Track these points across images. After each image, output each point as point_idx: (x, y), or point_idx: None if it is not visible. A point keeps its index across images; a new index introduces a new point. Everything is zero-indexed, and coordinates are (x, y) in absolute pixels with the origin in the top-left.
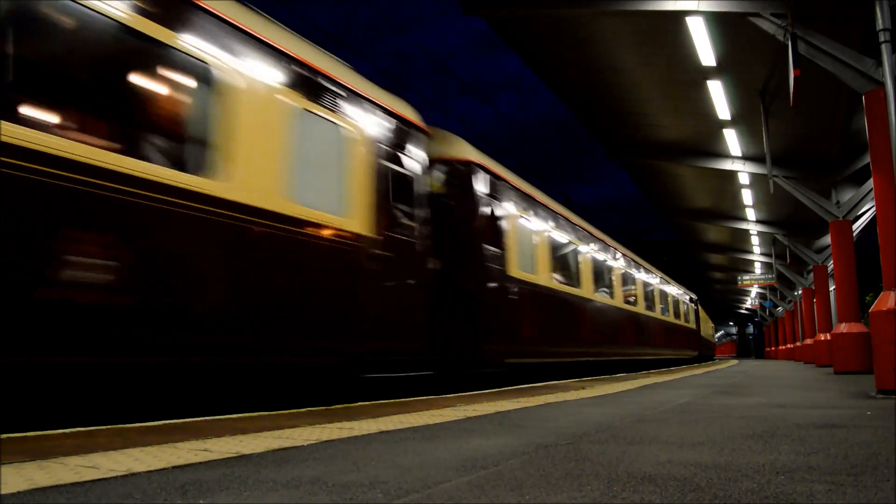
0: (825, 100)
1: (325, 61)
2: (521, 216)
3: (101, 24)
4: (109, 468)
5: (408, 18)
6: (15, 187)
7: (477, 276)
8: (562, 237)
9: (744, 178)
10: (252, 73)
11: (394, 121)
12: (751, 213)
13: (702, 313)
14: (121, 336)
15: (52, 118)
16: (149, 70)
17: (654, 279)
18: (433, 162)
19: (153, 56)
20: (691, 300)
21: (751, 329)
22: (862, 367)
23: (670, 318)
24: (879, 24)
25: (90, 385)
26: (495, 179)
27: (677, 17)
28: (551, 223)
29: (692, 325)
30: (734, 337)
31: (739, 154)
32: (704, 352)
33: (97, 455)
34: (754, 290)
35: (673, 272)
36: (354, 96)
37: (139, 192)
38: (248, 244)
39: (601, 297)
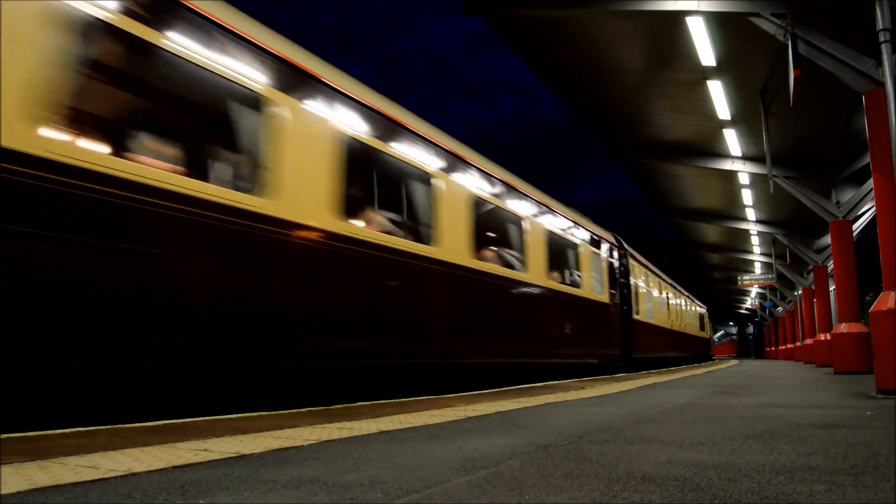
0: (825, 100)
1: None
2: None
3: None
4: (109, 468)
5: (407, 18)
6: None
7: None
8: None
9: (744, 178)
10: None
11: None
12: (751, 213)
13: (641, 273)
14: None
15: None
16: None
17: (475, 181)
18: None
19: None
20: (596, 241)
21: (751, 329)
22: (862, 367)
23: (522, 275)
24: (879, 24)
25: None
26: None
27: (677, 17)
28: None
29: (599, 295)
30: (734, 337)
31: (739, 154)
32: (650, 350)
33: (97, 455)
34: (754, 290)
35: (673, 272)
36: None
37: None
38: None
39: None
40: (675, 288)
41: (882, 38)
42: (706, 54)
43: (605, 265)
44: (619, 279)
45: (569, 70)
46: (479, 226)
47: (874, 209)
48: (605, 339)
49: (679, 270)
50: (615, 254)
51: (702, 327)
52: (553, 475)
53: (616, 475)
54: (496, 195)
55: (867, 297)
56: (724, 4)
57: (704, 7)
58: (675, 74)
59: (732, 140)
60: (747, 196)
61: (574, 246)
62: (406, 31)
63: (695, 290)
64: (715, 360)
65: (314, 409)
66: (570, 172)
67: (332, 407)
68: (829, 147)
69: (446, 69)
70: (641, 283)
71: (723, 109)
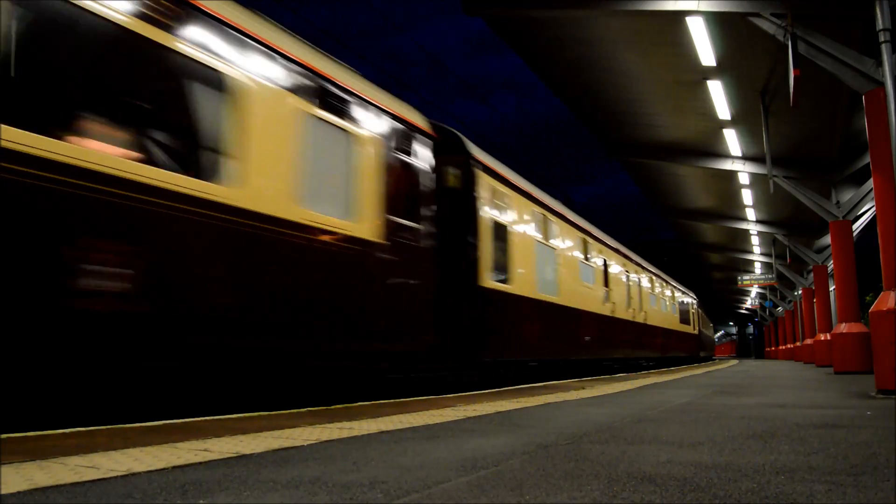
0: (825, 100)
1: None
2: None
3: None
4: (109, 468)
5: (407, 18)
6: None
7: None
8: None
9: (744, 178)
10: None
11: None
12: (751, 213)
13: (524, 213)
14: None
15: None
16: None
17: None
18: None
19: None
20: (339, 106)
21: (751, 329)
22: (862, 367)
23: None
24: (879, 24)
25: None
26: None
27: (677, 17)
28: None
29: (349, 221)
30: (734, 337)
31: (739, 154)
32: (544, 347)
33: (97, 455)
34: (754, 290)
35: (673, 272)
36: None
37: None
38: None
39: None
40: (624, 257)
41: (882, 38)
42: (706, 54)
43: (382, 168)
44: (433, 206)
45: (569, 70)
46: None
47: (874, 209)
48: (377, 317)
49: (679, 270)
50: (425, 154)
51: (685, 320)
52: (553, 475)
53: (616, 475)
54: None
55: (867, 297)
56: (724, 4)
57: (704, 7)
58: (675, 74)
59: (732, 140)
60: (747, 196)
61: (244, 92)
62: (406, 32)
63: (696, 290)
64: (715, 360)
65: (314, 409)
66: (570, 172)
67: (332, 407)
68: (829, 147)
69: (445, 69)
70: (524, 230)
71: (723, 109)
